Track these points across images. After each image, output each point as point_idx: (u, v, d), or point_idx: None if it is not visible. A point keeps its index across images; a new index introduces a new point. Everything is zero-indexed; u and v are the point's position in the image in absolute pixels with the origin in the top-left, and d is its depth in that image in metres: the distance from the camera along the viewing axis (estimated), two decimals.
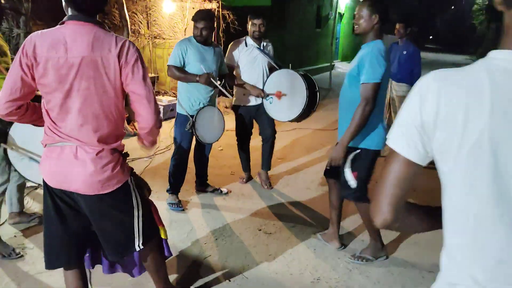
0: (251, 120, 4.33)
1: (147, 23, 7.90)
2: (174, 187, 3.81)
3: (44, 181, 1.90)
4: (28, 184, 3.55)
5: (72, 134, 1.78)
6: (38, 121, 1.94)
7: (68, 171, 1.79)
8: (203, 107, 3.60)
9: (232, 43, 4.11)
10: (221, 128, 3.80)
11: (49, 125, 1.81)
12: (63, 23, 1.76)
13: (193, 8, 7.59)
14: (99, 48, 1.72)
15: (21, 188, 3.35)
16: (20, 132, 2.71)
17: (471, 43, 30.63)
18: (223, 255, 3.08)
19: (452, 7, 48.24)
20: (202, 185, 4.16)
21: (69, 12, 1.77)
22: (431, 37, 51.15)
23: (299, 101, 3.90)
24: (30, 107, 1.88)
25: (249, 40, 4.06)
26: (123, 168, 1.91)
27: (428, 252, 3.20)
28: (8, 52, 2.95)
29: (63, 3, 1.80)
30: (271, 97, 4.07)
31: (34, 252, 3.01)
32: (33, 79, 1.73)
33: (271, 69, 4.17)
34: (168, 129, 6.42)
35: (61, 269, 2.76)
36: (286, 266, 2.97)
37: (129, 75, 1.77)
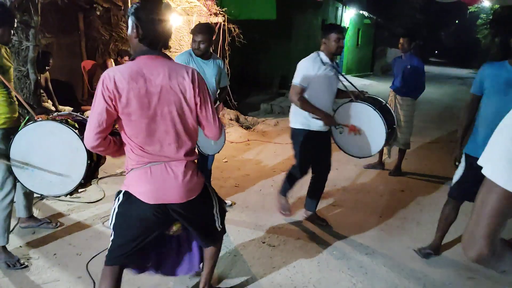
0: (314, 147, 3.70)
1: None
2: None
3: (127, 199, 2.07)
4: (35, 194, 3.59)
5: (161, 153, 2.01)
6: (115, 153, 2.11)
7: (163, 187, 2.02)
8: None
9: (304, 60, 3.47)
10: (222, 139, 3.82)
11: (135, 150, 2.00)
12: (134, 58, 1.97)
13: (199, 21, 7.69)
14: (175, 77, 1.97)
15: (28, 195, 3.40)
16: (20, 145, 2.74)
17: (475, 57, 30.67)
18: (227, 267, 3.09)
19: (457, 21, 48.40)
20: None
21: (139, 47, 1.99)
22: (436, 51, 51.31)
23: (375, 140, 3.66)
24: (112, 140, 2.05)
25: (324, 56, 3.47)
26: (200, 173, 2.22)
27: (434, 266, 3.19)
28: (11, 71, 3.00)
29: (133, 39, 1.98)
30: (342, 127, 3.73)
31: (39, 263, 3.03)
32: (115, 109, 1.91)
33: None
34: None
35: (67, 279, 2.81)
36: (290, 279, 2.96)
37: (201, 101, 2.06)
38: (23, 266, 2.94)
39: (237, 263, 3.15)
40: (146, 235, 2.12)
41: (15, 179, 2.97)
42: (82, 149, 2.60)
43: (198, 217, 2.27)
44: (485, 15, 19.25)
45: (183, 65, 2.05)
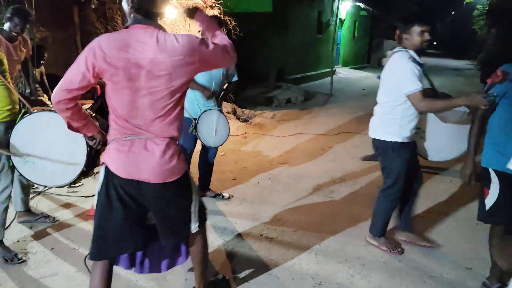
0: (410, 160, 3.17)
1: None
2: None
3: (105, 175, 2.01)
4: (33, 189, 3.59)
5: (144, 128, 1.94)
6: (75, 121, 2.07)
7: (139, 162, 1.95)
8: (206, 110, 3.69)
9: (403, 62, 2.92)
10: (225, 132, 3.80)
11: (117, 120, 1.95)
12: (127, 27, 1.91)
13: None
14: (165, 50, 1.86)
15: (25, 188, 3.40)
16: (19, 138, 2.74)
17: (471, 48, 30.68)
18: (224, 260, 3.10)
19: (453, 13, 48.36)
20: (203, 190, 4.18)
21: (133, 17, 1.93)
22: (434, 43, 51.24)
23: (455, 144, 3.55)
24: (78, 106, 2.01)
25: (414, 55, 2.99)
26: (182, 157, 2.09)
27: (429, 256, 3.21)
28: (5, 61, 2.98)
29: (127, 9, 1.93)
30: (423, 131, 3.57)
31: (37, 257, 3.03)
32: (94, 77, 1.88)
33: None
34: None
35: (65, 273, 2.81)
36: (288, 271, 2.98)
37: (203, 56, 1.93)
38: (20, 260, 2.94)
39: (235, 256, 3.16)
40: (124, 220, 2.03)
41: (13, 174, 2.97)
42: (81, 136, 2.61)
43: (170, 205, 2.11)
44: (481, 6, 19.21)
45: (173, 35, 1.91)
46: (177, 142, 2.09)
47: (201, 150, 4.02)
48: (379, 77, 3.34)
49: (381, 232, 3.27)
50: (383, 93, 3.16)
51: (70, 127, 2.10)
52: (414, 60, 2.91)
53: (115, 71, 1.84)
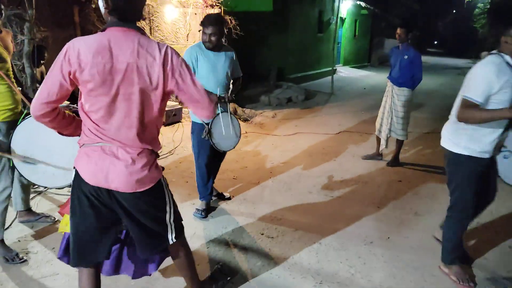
0: (483, 177, 2.82)
1: (150, 29, 7.95)
2: (201, 194, 3.82)
3: (76, 180, 1.95)
4: (31, 190, 3.60)
5: (115, 136, 1.86)
6: (63, 129, 2.01)
7: (109, 170, 1.87)
8: (218, 114, 3.52)
9: (485, 68, 2.60)
10: (236, 135, 3.68)
11: (90, 126, 1.87)
12: (104, 29, 1.81)
13: (195, 14, 7.64)
14: (144, 55, 1.79)
15: (26, 188, 3.40)
16: (20, 139, 2.74)
17: (472, 46, 30.64)
18: (225, 259, 3.10)
19: (454, 11, 48.29)
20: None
21: (110, 19, 1.83)
22: (435, 42, 51.22)
23: None
24: (61, 113, 1.94)
25: (510, 59, 2.59)
26: (158, 167, 2.03)
27: (431, 255, 3.21)
28: (8, 58, 2.97)
29: (103, 10, 1.84)
30: (508, 151, 2.92)
31: (38, 257, 3.03)
32: (72, 84, 1.79)
33: None
34: (171, 134, 6.45)
35: (66, 273, 2.81)
36: (288, 270, 2.98)
37: (178, 82, 1.88)
38: (21, 260, 2.95)
39: (236, 255, 3.16)
40: (98, 227, 1.99)
41: (13, 174, 2.97)
42: None
43: (143, 216, 2.03)
44: (482, 5, 19.20)
45: (156, 43, 1.85)
46: (155, 151, 2.01)
47: (209, 155, 3.78)
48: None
49: (450, 259, 2.94)
50: (459, 97, 2.80)
51: (61, 134, 2.06)
52: (508, 65, 2.55)
53: (91, 77, 1.74)
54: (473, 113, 2.57)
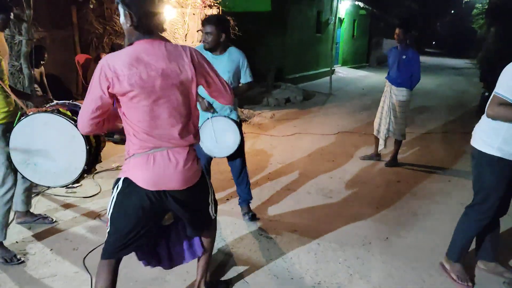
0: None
1: None
2: None
3: (127, 186, 2.05)
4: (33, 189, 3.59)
5: (164, 138, 2.00)
6: (106, 130, 2.12)
7: (164, 173, 2.01)
8: (207, 119, 3.40)
9: None
10: (232, 143, 3.43)
11: (138, 134, 1.98)
12: (132, 43, 1.95)
13: (194, 14, 7.63)
14: (174, 59, 1.95)
15: (27, 189, 3.39)
16: (18, 141, 2.73)
17: (471, 47, 30.68)
18: (224, 259, 3.10)
19: (452, 12, 48.37)
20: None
21: (135, 34, 1.96)
22: (434, 42, 51.30)
23: None
24: (111, 115, 2.05)
25: None
26: (199, 159, 2.21)
27: (429, 256, 3.21)
28: (3, 63, 2.96)
29: (127, 27, 1.95)
30: None
31: (36, 258, 3.02)
32: (111, 97, 1.91)
33: None
34: None
35: (64, 274, 2.81)
36: (287, 271, 2.98)
37: (207, 76, 2.08)
38: (19, 261, 2.94)
39: (234, 255, 3.16)
40: (143, 226, 2.10)
41: (16, 176, 2.97)
42: (79, 135, 2.65)
43: (195, 204, 2.25)
44: (480, 5, 19.22)
45: (181, 46, 2.03)
46: (194, 147, 2.17)
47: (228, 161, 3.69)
48: None
49: (457, 256, 2.91)
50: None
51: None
52: None
53: (130, 88, 1.86)
54: (503, 110, 2.50)
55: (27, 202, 3.46)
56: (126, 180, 2.04)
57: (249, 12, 9.98)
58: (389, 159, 5.54)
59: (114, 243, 2.11)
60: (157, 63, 1.91)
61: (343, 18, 19.33)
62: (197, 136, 2.14)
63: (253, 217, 3.73)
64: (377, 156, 5.71)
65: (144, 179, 2.00)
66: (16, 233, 3.35)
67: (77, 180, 2.82)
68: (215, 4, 7.63)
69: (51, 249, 3.15)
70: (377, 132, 5.55)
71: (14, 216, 3.48)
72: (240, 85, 3.53)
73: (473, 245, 2.98)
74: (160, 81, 1.91)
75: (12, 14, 3.31)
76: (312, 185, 4.70)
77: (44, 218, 3.53)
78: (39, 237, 3.32)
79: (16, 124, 2.76)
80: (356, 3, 19.06)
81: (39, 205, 3.86)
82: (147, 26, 1.94)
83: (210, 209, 2.37)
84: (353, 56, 21.72)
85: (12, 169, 2.89)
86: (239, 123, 3.51)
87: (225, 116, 3.43)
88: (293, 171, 5.16)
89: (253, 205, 4.00)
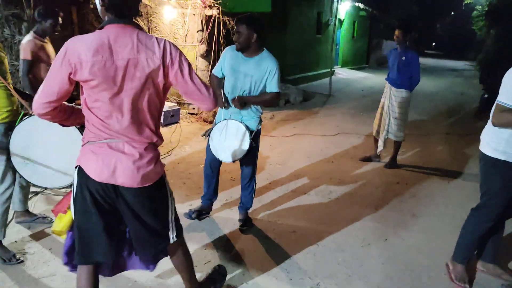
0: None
1: (148, 29, 7.95)
2: (203, 195, 3.75)
3: (80, 178, 1.95)
4: (31, 189, 3.59)
5: (121, 131, 1.89)
6: (65, 121, 2.03)
7: (116, 165, 1.89)
8: (225, 120, 3.35)
9: None
10: (238, 151, 3.32)
11: (95, 122, 1.89)
12: (102, 27, 1.83)
13: (194, 14, 7.64)
14: (144, 50, 1.82)
15: (24, 188, 3.39)
16: (19, 140, 2.74)
17: (471, 49, 30.71)
18: (223, 260, 3.10)
19: (452, 13, 48.43)
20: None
21: (107, 16, 1.85)
22: (434, 44, 51.36)
23: None
24: (62, 108, 1.96)
25: None
26: (161, 162, 2.05)
27: (428, 257, 3.21)
28: (6, 62, 2.98)
29: (100, 8, 1.86)
30: None
31: (35, 257, 3.02)
32: (72, 83, 1.80)
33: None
34: (168, 135, 6.45)
35: (63, 274, 2.80)
36: (286, 271, 2.98)
37: (177, 74, 1.91)
38: (18, 261, 2.94)
39: (233, 256, 3.16)
40: (103, 226, 1.97)
41: (15, 175, 2.97)
42: (80, 137, 2.61)
43: (146, 212, 2.03)
44: (480, 7, 19.23)
45: (155, 38, 1.88)
46: (157, 148, 2.05)
47: (212, 163, 3.61)
48: None
49: (461, 258, 2.93)
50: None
51: (63, 126, 2.09)
52: None
53: (92, 75, 1.76)
54: (508, 118, 2.52)
55: (25, 201, 3.46)
56: (80, 170, 1.94)
57: (249, 12, 9.99)
58: (389, 161, 5.54)
59: (80, 246, 2.02)
60: (124, 51, 1.79)
61: (343, 19, 19.34)
62: (158, 136, 2.01)
63: (243, 225, 3.59)
64: (376, 157, 5.71)
65: (94, 169, 1.89)
66: (15, 233, 3.35)
67: None
68: (215, 5, 7.64)
69: (50, 249, 3.15)
70: (377, 133, 5.55)
71: (13, 216, 3.48)
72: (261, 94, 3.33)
73: None
74: (124, 71, 1.80)
75: (60, 19, 3.50)
76: (311, 186, 4.70)
77: (43, 218, 3.54)
78: (38, 236, 3.32)
79: (18, 123, 2.76)
80: (356, 4, 19.07)
81: (38, 205, 3.86)
82: (119, 8, 1.82)
83: (170, 231, 2.15)
84: (353, 57, 21.74)
85: (11, 167, 2.89)
86: (254, 132, 3.34)
87: (241, 122, 3.31)
88: (292, 172, 5.16)
89: (252, 206, 4.00)
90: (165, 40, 1.91)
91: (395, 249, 3.35)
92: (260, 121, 3.42)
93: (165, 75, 1.89)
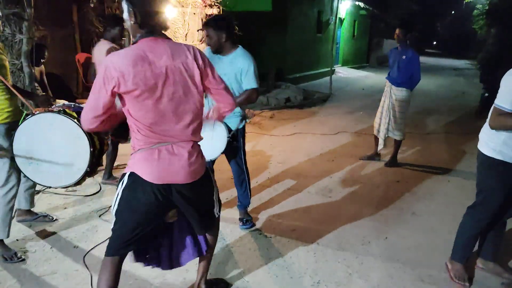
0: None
1: None
2: None
3: (133, 180, 2.06)
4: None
5: (168, 134, 2.02)
6: (108, 128, 2.15)
7: (169, 166, 2.03)
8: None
9: None
10: (216, 148, 3.29)
11: (142, 130, 1.99)
12: (136, 42, 1.97)
13: (194, 13, 7.64)
14: (178, 57, 1.98)
15: (30, 187, 3.40)
16: (22, 140, 2.74)
17: (471, 48, 30.69)
18: (223, 258, 3.10)
19: (453, 12, 48.37)
20: None
21: (139, 32, 1.99)
22: (434, 43, 51.33)
23: None
24: (113, 115, 2.05)
25: None
26: (203, 154, 2.24)
27: (428, 256, 3.22)
28: (7, 64, 2.99)
29: (130, 24, 1.99)
30: None
31: (36, 256, 3.03)
32: (113, 96, 1.92)
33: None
34: None
35: (64, 272, 2.82)
36: (286, 270, 2.98)
37: (209, 74, 2.11)
38: (20, 259, 2.95)
39: (234, 255, 3.16)
40: (148, 222, 2.12)
41: (19, 175, 2.98)
42: (84, 137, 2.64)
43: (199, 199, 2.26)
44: (481, 6, 19.20)
45: (183, 44, 2.06)
46: (198, 143, 2.20)
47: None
48: None
49: (459, 256, 2.94)
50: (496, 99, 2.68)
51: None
52: None
53: (135, 86, 1.87)
54: (505, 121, 2.53)
55: (31, 200, 3.47)
56: (132, 175, 2.05)
57: (250, 12, 9.99)
58: (389, 159, 5.55)
59: (118, 240, 2.12)
60: (161, 61, 1.93)
61: (344, 18, 19.33)
62: (200, 134, 2.17)
63: (245, 224, 3.60)
64: (377, 156, 5.71)
65: (150, 173, 2.01)
66: (17, 231, 3.36)
67: (78, 182, 2.81)
68: (216, 4, 7.64)
69: (51, 247, 3.16)
70: (377, 132, 5.56)
71: (14, 214, 3.49)
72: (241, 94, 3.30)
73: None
74: (165, 79, 1.93)
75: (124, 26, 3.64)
76: (312, 185, 4.71)
77: (44, 216, 3.55)
78: (39, 235, 3.34)
79: (21, 123, 2.76)
80: (357, 3, 19.06)
81: (39, 204, 3.86)
82: (151, 25, 1.96)
83: (215, 208, 2.40)
84: (353, 56, 21.73)
85: (15, 168, 2.89)
86: (235, 131, 3.33)
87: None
88: (293, 171, 5.16)
89: (252, 204, 4.00)
90: (192, 46, 2.08)
91: (395, 247, 3.36)
92: (243, 119, 3.41)
93: (202, 77, 2.05)
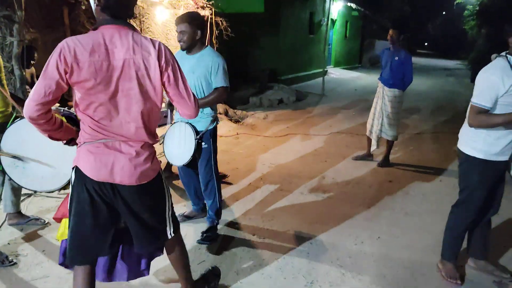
0: (492, 181, 2.78)
1: (141, 30, 7.94)
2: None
3: (77, 178, 1.96)
4: (23, 191, 3.57)
5: (117, 131, 1.90)
6: (55, 132, 1.96)
7: (113, 164, 1.90)
8: (174, 123, 3.29)
9: (488, 72, 2.64)
10: (186, 151, 3.21)
11: (90, 124, 1.88)
12: (96, 28, 1.83)
13: None
14: (139, 51, 1.84)
15: (16, 190, 3.37)
16: (10, 142, 2.71)
17: (462, 48, 30.94)
18: (217, 260, 3.10)
19: (444, 13, 48.73)
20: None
21: (102, 17, 1.85)
22: (426, 43, 51.66)
23: None
24: (53, 116, 1.91)
25: None
26: (157, 159, 2.08)
27: (421, 255, 3.24)
28: (2, 68, 2.97)
29: (95, 7, 1.86)
30: None
31: (28, 259, 3.01)
32: (67, 83, 1.78)
33: None
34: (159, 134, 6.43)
35: (56, 275, 2.80)
36: (280, 270, 2.99)
37: (170, 77, 1.94)
38: (11, 263, 2.93)
39: (227, 256, 3.16)
40: (98, 225, 1.98)
41: (4, 177, 2.96)
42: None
43: (144, 209, 2.05)
44: (471, 7, 19.38)
45: (150, 39, 1.91)
46: (153, 145, 2.06)
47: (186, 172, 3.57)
48: None
49: (448, 255, 2.98)
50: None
51: (52, 138, 2.01)
52: None
53: (89, 75, 1.75)
54: (484, 119, 2.58)
55: (17, 203, 3.43)
56: (77, 171, 1.94)
57: (242, 13, 10.00)
58: (381, 159, 5.57)
59: (74, 246, 2.02)
60: (120, 52, 1.80)
61: (336, 20, 19.39)
62: (154, 135, 2.04)
63: (204, 239, 3.31)
64: (369, 156, 5.74)
65: (89, 167, 1.90)
66: (8, 235, 3.33)
67: (64, 187, 2.78)
68: (208, 5, 7.65)
69: (44, 250, 3.14)
70: (370, 133, 5.58)
71: (5, 218, 3.47)
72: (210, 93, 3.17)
73: (465, 244, 3.02)
74: (120, 72, 1.81)
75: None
76: (305, 185, 4.72)
77: (36, 220, 3.52)
78: (31, 238, 3.31)
79: (10, 125, 2.74)
80: (349, 4, 19.14)
81: (31, 207, 3.84)
82: (115, 9, 1.83)
83: (167, 227, 2.19)
84: (345, 57, 21.81)
85: (0, 170, 2.87)
86: (204, 132, 3.22)
87: (187, 123, 3.20)
88: (286, 172, 5.17)
89: (246, 206, 4.00)
90: (160, 42, 1.93)
91: (388, 247, 3.38)
92: (214, 121, 3.28)
93: (161, 76, 1.91)
